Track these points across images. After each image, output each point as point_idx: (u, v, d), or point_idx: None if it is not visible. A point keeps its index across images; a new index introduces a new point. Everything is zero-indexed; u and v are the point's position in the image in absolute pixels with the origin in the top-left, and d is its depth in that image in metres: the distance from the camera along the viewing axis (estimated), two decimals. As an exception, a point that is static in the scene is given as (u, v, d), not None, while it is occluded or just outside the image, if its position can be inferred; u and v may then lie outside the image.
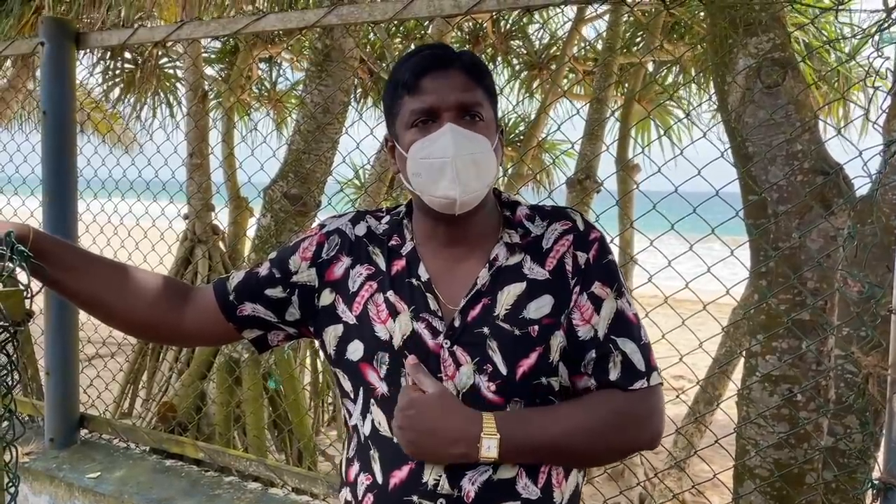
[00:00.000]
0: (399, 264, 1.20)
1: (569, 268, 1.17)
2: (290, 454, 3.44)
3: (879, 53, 1.45)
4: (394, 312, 1.16)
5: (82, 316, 2.85)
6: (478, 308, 1.15)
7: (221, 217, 5.84)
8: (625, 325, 1.17)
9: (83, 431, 2.88)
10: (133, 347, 5.42)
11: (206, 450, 2.64)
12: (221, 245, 5.78)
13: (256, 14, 2.36)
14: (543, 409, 1.14)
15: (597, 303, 1.16)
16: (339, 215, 1.31)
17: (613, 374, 1.14)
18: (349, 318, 1.20)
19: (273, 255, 1.30)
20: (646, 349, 1.18)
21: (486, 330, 1.13)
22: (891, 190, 2.23)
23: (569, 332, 1.15)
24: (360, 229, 1.26)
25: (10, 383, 1.25)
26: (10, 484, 1.26)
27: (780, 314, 2.24)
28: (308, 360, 5.90)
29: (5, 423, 1.25)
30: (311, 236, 1.27)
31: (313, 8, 2.38)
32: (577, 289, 1.17)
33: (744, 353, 2.58)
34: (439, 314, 1.15)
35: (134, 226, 3.04)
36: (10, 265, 1.17)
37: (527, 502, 1.11)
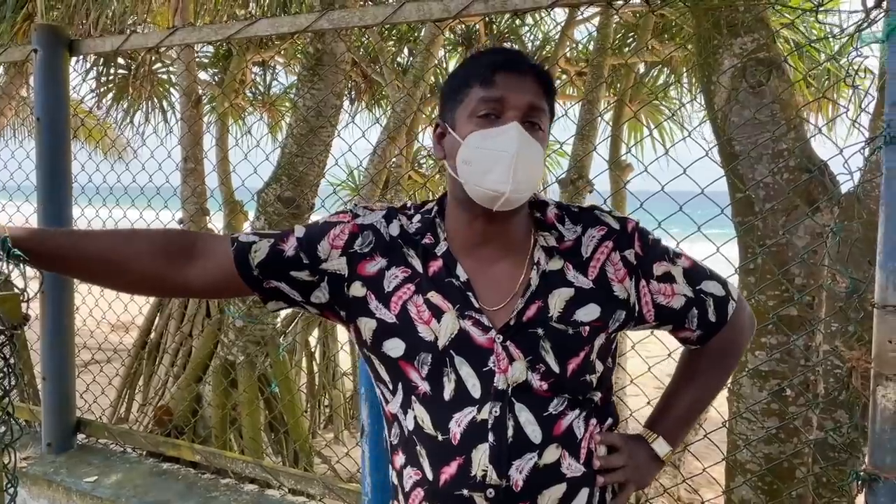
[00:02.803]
0: (436, 265, 1.20)
1: (611, 275, 1.21)
2: (286, 456, 3.45)
3: (859, 53, 1.48)
4: (437, 312, 1.17)
5: (78, 321, 2.88)
6: (533, 309, 1.17)
7: (217, 222, 5.85)
8: (693, 273, 1.28)
9: (80, 436, 2.90)
10: (129, 352, 5.43)
11: (203, 452, 2.66)
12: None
13: (249, 20, 2.38)
14: (688, 404, 1.36)
15: (669, 278, 1.25)
16: (370, 208, 1.29)
17: (712, 317, 1.29)
18: (385, 315, 1.19)
19: (300, 232, 1.26)
20: (714, 274, 1.31)
21: (540, 331, 1.16)
22: (877, 187, 2.26)
23: (661, 311, 1.26)
24: (394, 229, 1.24)
25: (7, 386, 1.27)
26: (9, 485, 1.28)
27: (769, 310, 2.27)
28: (304, 363, 5.91)
29: (2, 427, 1.27)
30: (343, 223, 1.25)
31: (305, 13, 2.40)
32: (641, 283, 1.23)
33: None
34: (483, 311, 1.17)
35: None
36: (6, 270, 1.19)
37: (572, 481, 1.16)
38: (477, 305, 1.17)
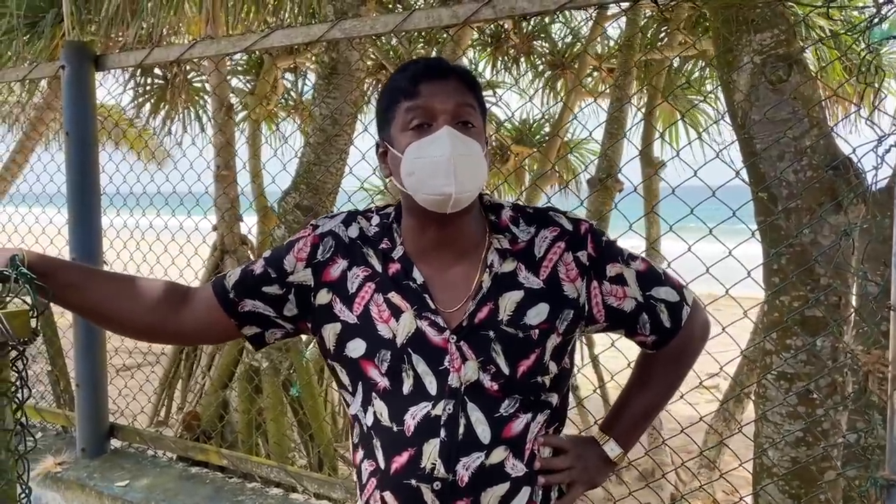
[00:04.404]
0: (394, 267, 1.25)
1: (563, 275, 1.24)
2: (310, 460, 3.50)
3: (869, 50, 1.44)
4: (396, 312, 1.22)
5: (109, 329, 2.95)
6: (484, 312, 1.21)
7: (249, 226, 5.93)
8: (647, 277, 1.29)
9: (113, 441, 2.97)
10: (158, 358, 5.54)
11: (230, 457, 2.71)
12: (251, 254, 5.87)
13: (264, 31, 2.42)
14: (640, 408, 1.37)
15: (621, 280, 1.27)
16: (331, 216, 1.35)
17: (667, 322, 1.30)
18: (348, 317, 1.24)
19: (267, 253, 1.34)
20: (668, 279, 1.32)
21: (491, 333, 1.20)
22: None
23: (612, 313, 1.27)
24: (353, 231, 1.30)
25: (20, 398, 1.31)
26: (23, 494, 1.32)
27: (793, 311, 2.22)
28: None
29: (18, 438, 1.32)
30: (305, 237, 1.31)
31: (318, 23, 2.44)
32: (593, 283, 1.26)
33: (759, 351, 2.57)
34: (439, 312, 1.21)
35: (154, 240, 3.12)
36: (17, 287, 1.23)
37: (515, 480, 1.20)
38: (433, 307, 1.21)
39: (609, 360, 2.28)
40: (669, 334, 1.31)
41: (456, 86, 1.20)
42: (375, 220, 1.31)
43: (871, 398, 1.82)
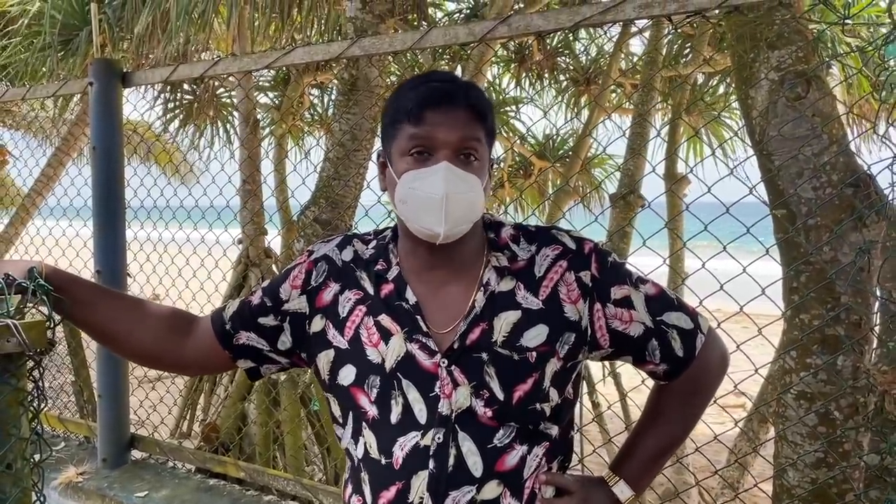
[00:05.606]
0: (387, 288, 1.21)
1: (564, 295, 1.18)
2: (327, 473, 3.51)
3: (885, 66, 1.43)
4: (386, 335, 1.18)
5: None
6: (476, 332, 1.15)
7: (274, 240, 5.98)
8: (657, 301, 1.23)
9: (134, 452, 3.01)
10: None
11: (247, 469, 2.72)
12: (275, 268, 5.92)
13: (286, 49, 2.46)
14: (654, 445, 1.29)
15: (627, 303, 1.20)
16: (328, 240, 1.33)
17: (679, 351, 1.23)
18: (340, 342, 1.21)
19: (266, 283, 1.33)
20: (682, 305, 1.25)
21: (484, 356, 1.14)
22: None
23: (617, 338, 1.21)
24: (347, 254, 1.27)
25: (37, 408, 1.34)
26: (38, 502, 1.34)
27: (812, 329, 2.20)
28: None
29: (33, 447, 1.34)
30: (301, 264, 1.29)
31: (338, 41, 2.47)
32: (596, 305, 1.19)
33: (781, 370, 2.54)
34: (430, 335, 1.17)
35: (177, 252, 3.17)
36: (35, 298, 1.26)
37: None
38: (425, 329, 1.16)
39: (632, 378, 2.26)
40: (682, 364, 1.24)
41: (464, 115, 1.14)
42: (373, 242, 1.28)
43: (889, 418, 1.79)
